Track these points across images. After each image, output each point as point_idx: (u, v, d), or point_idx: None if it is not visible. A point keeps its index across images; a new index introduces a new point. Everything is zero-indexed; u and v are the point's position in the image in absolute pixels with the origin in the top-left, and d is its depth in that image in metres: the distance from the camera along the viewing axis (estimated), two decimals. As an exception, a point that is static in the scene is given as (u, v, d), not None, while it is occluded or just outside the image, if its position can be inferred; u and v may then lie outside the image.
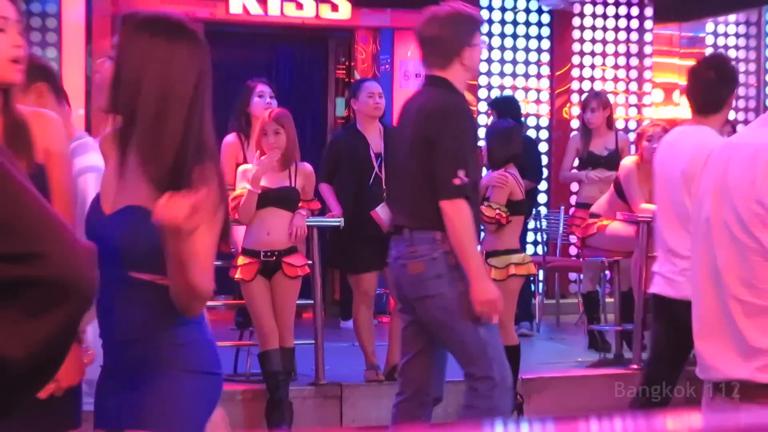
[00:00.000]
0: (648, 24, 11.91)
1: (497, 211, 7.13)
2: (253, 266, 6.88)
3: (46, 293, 1.78)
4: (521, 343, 7.41)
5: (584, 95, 11.34)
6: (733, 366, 2.99)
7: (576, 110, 11.50)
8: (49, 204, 1.84)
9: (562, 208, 10.88)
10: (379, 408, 7.44)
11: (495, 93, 11.37)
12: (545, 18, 11.68)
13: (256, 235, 6.91)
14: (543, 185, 11.31)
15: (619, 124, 11.17)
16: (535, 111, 11.65)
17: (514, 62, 11.60)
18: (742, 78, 12.30)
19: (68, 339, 1.85)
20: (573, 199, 10.72)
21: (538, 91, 11.68)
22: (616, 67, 11.86)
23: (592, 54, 11.80)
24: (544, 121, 11.71)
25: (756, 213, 2.93)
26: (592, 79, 11.74)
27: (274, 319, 6.92)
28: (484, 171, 7.82)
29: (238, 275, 6.91)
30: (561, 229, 10.71)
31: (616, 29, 11.84)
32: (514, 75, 11.59)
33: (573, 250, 10.78)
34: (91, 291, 1.83)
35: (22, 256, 1.76)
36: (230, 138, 7.65)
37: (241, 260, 6.92)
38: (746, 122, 11.75)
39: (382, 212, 7.48)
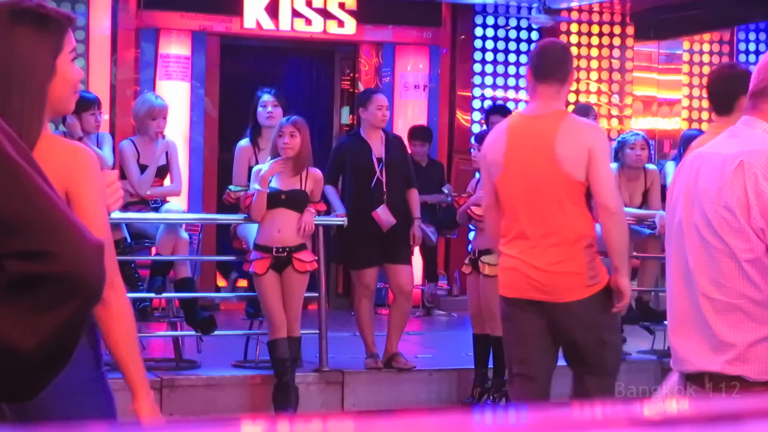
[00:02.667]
0: (629, 42, 11.91)
1: (486, 209, 7.14)
2: (265, 261, 6.89)
3: (56, 289, 1.78)
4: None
5: (570, 107, 11.35)
6: (704, 359, 3.00)
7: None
8: (61, 201, 1.84)
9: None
10: (378, 393, 7.45)
11: (488, 104, 11.38)
12: (534, 35, 11.68)
13: (268, 232, 6.93)
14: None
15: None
16: (525, 121, 11.64)
17: (506, 75, 11.60)
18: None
19: (77, 331, 1.85)
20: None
21: (527, 102, 11.68)
22: (599, 80, 11.86)
23: (578, 69, 11.78)
24: (533, 130, 11.71)
25: (723, 217, 2.94)
26: (577, 91, 11.73)
27: (283, 310, 6.94)
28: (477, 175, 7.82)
29: (251, 269, 6.93)
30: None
31: (600, 46, 11.84)
32: (505, 87, 11.59)
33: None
34: (99, 286, 1.83)
35: (34, 254, 1.76)
36: (244, 143, 7.66)
37: (255, 255, 6.95)
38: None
39: (382, 213, 7.49)
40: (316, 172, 7.10)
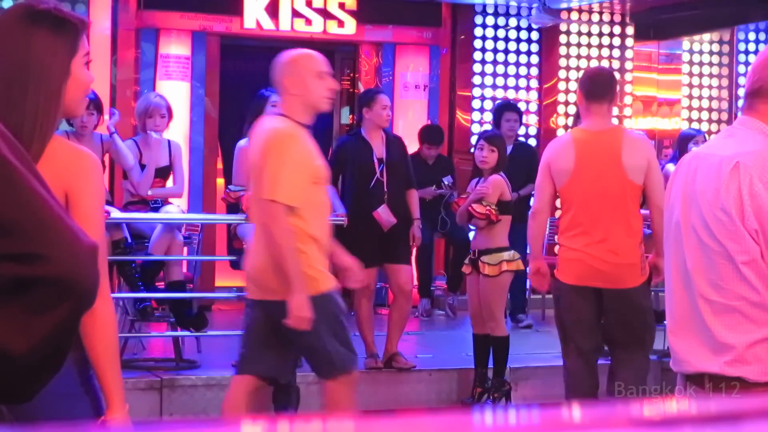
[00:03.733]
0: (629, 42, 11.91)
1: (488, 208, 7.13)
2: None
3: (49, 292, 1.76)
4: (510, 334, 7.43)
5: (570, 107, 11.35)
6: (703, 360, 2.99)
7: (562, 120, 11.51)
8: (56, 204, 1.83)
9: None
10: (378, 393, 7.45)
11: (488, 104, 11.38)
12: (534, 35, 11.68)
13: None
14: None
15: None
16: (525, 121, 11.64)
17: (506, 75, 11.60)
18: (715, 92, 12.33)
19: (70, 334, 1.84)
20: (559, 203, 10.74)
21: (528, 102, 11.68)
22: (599, 81, 11.84)
23: (578, 69, 11.79)
24: (533, 131, 11.71)
25: (720, 219, 2.93)
26: (577, 92, 11.73)
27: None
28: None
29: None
30: (548, 229, 10.70)
31: (600, 46, 11.84)
32: (505, 87, 11.59)
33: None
34: (92, 289, 1.82)
35: (26, 256, 1.75)
36: (243, 143, 7.65)
37: None
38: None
39: (382, 213, 7.49)
40: None
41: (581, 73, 11.71)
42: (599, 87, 6.00)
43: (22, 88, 2.71)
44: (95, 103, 7.62)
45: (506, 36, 11.58)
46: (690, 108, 12.23)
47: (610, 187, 5.86)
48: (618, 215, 5.87)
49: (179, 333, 7.56)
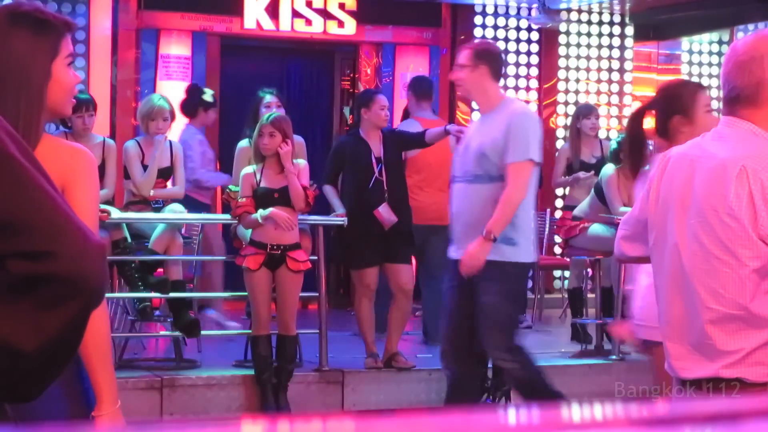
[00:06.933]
0: (628, 42, 11.91)
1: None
2: (259, 257, 6.89)
3: (58, 289, 1.77)
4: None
5: (569, 107, 11.35)
6: (700, 367, 2.96)
7: (562, 120, 11.51)
8: (64, 202, 1.84)
9: (548, 210, 10.88)
10: (378, 393, 7.45)
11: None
12: (534, 36, 11.68)
13: (264, 229, 6.92)
14: (530, 189, 11.29)
15: (601, 134, 11.16)
16: (524, 121, 11.63)
17: (506, 75, 11.58)
18: (714, 93, 12.32)
19: (79, 332, 1.85)
20: (559, 203, 10.75)
21: (527, 102, 11.67)
22: (598, 81, 11.85)
23: (577, 69, 11.79)
24: (532, 131, 11.70)
25: (729, 226, 2.86)
26: (576, 92, 11.73)
27: (278, 309, 6.96)
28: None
29: (244, 264, 6.91)
30: (547, 229, 10.71)
31: (599, 46, 11.84)
32: (505, 87, 11.57)
33: (557, 249, 10.78)
34: (101, 286, 1.83)
35: (37, 254, 1.76)
36: (243, 143, 7.66)
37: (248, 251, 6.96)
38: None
39: (383, 211, 7.49)
40: (296, 139, 7.14)
41: (581, 73, 11.76)
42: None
43: (2, 90, 2.70)
44: (93, 105, 7.60)
45: (506, 36, 11.58)
46: (689, 108, 12.21)
47: None
48: None
49: (179, 333, 7.55)
